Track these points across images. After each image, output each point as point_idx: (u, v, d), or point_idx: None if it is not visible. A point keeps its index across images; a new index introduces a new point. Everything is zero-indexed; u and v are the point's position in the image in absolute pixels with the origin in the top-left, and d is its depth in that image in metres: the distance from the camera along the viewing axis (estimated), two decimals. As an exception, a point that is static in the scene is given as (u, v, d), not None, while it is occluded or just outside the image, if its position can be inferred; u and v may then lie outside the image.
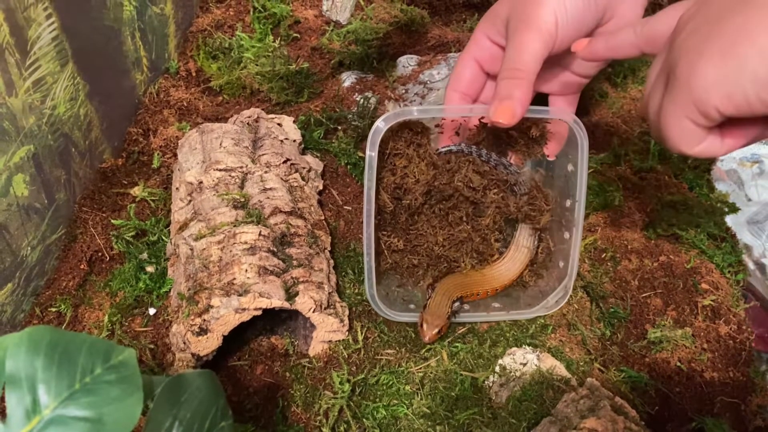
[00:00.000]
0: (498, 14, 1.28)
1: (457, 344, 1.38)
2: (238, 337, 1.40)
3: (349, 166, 1.76)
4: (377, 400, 1.33)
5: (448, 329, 1.37)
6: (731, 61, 0.83)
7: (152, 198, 1.67)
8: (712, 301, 1.47)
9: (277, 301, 1.23)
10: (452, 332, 1.41)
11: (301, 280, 1.29)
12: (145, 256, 1.49)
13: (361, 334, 1.39)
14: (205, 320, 1.21)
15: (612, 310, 1.50)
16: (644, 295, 1.54)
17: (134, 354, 0.84)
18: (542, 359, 1.26)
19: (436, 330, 1.30)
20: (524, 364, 1.27)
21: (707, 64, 0.86)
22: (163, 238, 1.57)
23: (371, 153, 1.24)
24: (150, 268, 1.48)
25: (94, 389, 0.78)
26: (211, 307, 1.23)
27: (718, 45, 0.85)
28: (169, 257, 1.47)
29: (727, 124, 0.93)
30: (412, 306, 1.43)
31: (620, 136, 1.89)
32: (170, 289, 1.44)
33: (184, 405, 0.88)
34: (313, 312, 1.28)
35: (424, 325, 1.30)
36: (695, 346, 1.42)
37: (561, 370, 1.24)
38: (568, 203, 1.40)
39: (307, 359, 1.38)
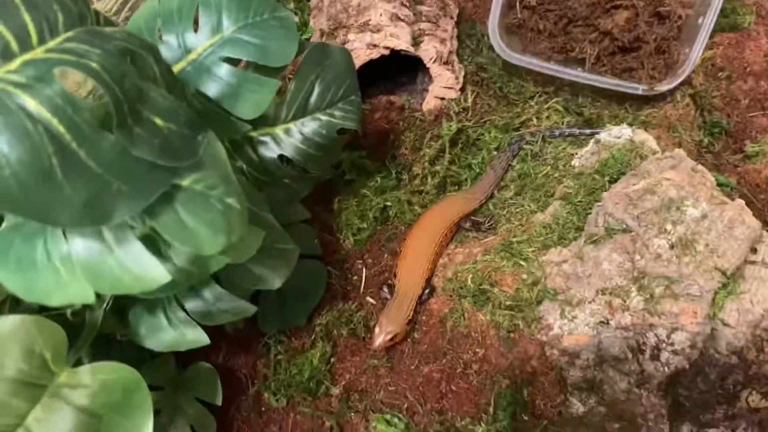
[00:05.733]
0: None
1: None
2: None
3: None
4: (476, 156, 1.49)
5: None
6: None
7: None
8: (819, 124, 1.49)
9: (404, 44, 1.38)
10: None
11: (427, 32, 1.42)
12: (291, 6, 1.67)
13: (471, 97, 1.53)
14: (340, 50, 1.39)
15: (715, 120, 1.55)
16: (752, 114, 1.57)
17: (293, 16, 1.02)
18: (636, 133, 1.35)
19: (389, 337, 1.20)
20: (618, 138, 1.36)
21: None
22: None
23: None
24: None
25: (262, 26, 0.97)
26: (348, 41, 1.40)
27: None
28: (311, 10, 1.64)
29: None
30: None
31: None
32: (310, 37, 1.62)
33: (326, 68, 1.06)
34: (433, 62, 1.42)
35: (376, 329, 1.21)
36: (791, 162, 1.46)
37: (652, 143, 1.33)
38: None
39: (420, 113, 1.54)
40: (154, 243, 0.72)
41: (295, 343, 1.29)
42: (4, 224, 0.72)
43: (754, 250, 1.14)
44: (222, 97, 0.94)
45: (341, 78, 1.08)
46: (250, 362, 1.28)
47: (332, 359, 1.28)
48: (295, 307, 1.27)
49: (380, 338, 1.19)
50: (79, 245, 0.66)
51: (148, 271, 0.67)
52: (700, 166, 1.23)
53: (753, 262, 1.12)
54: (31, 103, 0.57)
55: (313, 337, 1.29)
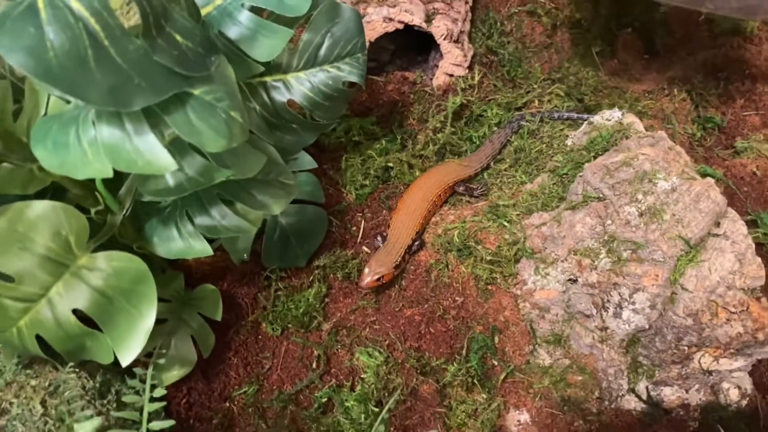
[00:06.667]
0: None
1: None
2: (377, 70, 1.70)
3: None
4: (477, 130, 1.60)
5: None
6: None
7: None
8: (808, 126, 1.56)
9: (418, 20, 1.51)
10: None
11: (440, 11, 1.55)
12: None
13: (478, 76, 1.64)
14: (359, 20, 1.52)
15: (709, 116, 1.64)
16: (746, 113, 1.65)
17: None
18: (626, 116, 1.45)
19: (377, 277, 1.31)
20: (609, 120, 1.46)
21: None
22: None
23: None
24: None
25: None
26: (366, 14, 1.53)
27: None
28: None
29: None
30: None
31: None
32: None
33: (337, 24, 1.19)
34: (444, 39, 1.54)
35: (366, 269, 1.32)
36: (776, 159, 1.54)
37: (639, 126, 1.42)
38: None
39: (430, 87, 1.66)
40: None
41: (295, 282, 1.42)
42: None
43: (718, 224, 1.22)
44: (240, 40, 1.08)
45: (350, 35, 1.21)
46: (251, 293, 1.41)
47: (326, 299, 1.41)
48: (296, 247, 1.40)
49: (368, 278, 1.31)
50: (104, 132, 0.79)
51: (158, 158, 0.80)
52: (677, 146, 1.33)
53: (716, 235, 1.21)
54: (74, 4, 0.71)
55: (311, 278, 1.42)
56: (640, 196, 1.24)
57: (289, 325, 1.38)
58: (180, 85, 0.80)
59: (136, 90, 0.74)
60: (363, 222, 1.50)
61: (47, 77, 0.68)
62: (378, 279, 1.31)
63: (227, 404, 1.31)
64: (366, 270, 1.32)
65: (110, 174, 0.79)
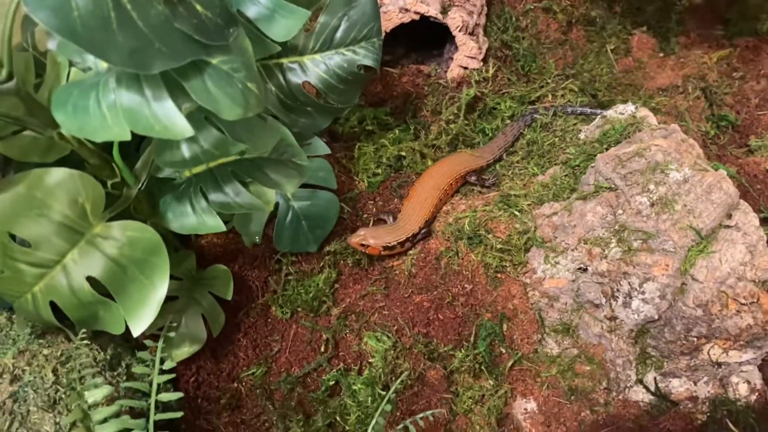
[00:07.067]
0: None
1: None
2: (392, 63, 1.71)
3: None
4: (490, 122, 1.61)
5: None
6: None
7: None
8: (823, 125, 1.56)
9: (433, 11, 1.52)
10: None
11: (456, 3, 1.56)
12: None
13: (492, 69, 1.65)
14: (375, 10, 1.53)
15: (723, 114, 1.64)
16: (761, 112, 1.65)
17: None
18: (639, 110, 1.45)
19: (362, 243, 1.34)
20: (622, 114, 1.47)
21: None
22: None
23: None
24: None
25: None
26: (383, 4, 1.54)
27: None
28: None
29: None
30: None
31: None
32: None
33: (353, 8, 1.20)
34: (459, 31, 1.55)
35: (360, 231, 1.36)
36: (790, 157, 1.53)
37: (652, 119, 1.42)
38: None
39: (444, 80, 1.67)
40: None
41: (306, 267, 1.43)
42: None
43: (729, 216, 1.22)
44: (258, 19, 1.09)
45: (366, 19, 1.22)
46: (262, 276, 1.42)
47: (336, 284, 1.41)
48: (308, 233, 1.41)
49: (356, 239, 1.35)
50: (124, 96, 0.81)
51: (175, 123, 0.81)
52: (690, 139, 1.33)
53: (727, 226, 1.21)
54: (99, -33, 0.73)
55: (322, 263, 1.42)
56: (651, 187, 1.24)
57: (299, 309, 1.38)
58: (198, 52, 0.81)
59: (156, 54, 0.76)
60: (375, 209, 1.51)
61: (71, 35, 0.70)
62: (363, 245, 1.35)
63: (235, 384, 1.32)
64: (361, 231, 1.36)
65: (128, 137, 0.80)
